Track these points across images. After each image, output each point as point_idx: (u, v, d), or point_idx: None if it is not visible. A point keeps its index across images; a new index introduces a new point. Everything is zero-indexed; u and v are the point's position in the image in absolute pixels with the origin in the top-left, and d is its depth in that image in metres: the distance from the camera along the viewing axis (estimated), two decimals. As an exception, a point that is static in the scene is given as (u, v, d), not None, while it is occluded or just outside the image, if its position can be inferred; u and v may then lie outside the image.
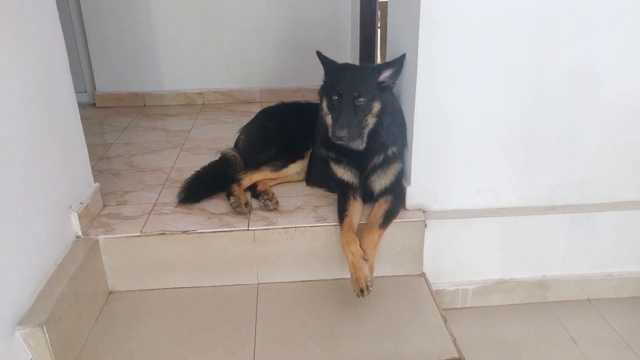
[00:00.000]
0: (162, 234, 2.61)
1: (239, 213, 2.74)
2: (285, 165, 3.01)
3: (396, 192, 2.72)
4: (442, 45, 2.46)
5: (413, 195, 2.75)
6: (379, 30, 5.19)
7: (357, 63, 4.69)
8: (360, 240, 2.48)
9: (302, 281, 2.73)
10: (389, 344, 2.31)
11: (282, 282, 2.72)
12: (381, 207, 2.65)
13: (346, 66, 2.70)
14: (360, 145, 2.63)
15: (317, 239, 2.67)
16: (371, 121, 2.57)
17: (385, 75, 2.60)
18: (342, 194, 2.72)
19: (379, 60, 5.14)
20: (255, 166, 3.00)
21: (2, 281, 1.94)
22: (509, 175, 2.75)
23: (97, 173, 3.24)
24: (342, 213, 2.63)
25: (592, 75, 2.58)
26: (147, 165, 3.50)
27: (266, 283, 2.72)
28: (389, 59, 2.78)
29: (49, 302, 2.12)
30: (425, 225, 2.70)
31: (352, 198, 2.68)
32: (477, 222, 2.74)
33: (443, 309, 2.62)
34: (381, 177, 2.70)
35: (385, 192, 2.70)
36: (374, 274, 2.46)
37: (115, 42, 4.92)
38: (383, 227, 2.58)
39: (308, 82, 4.95)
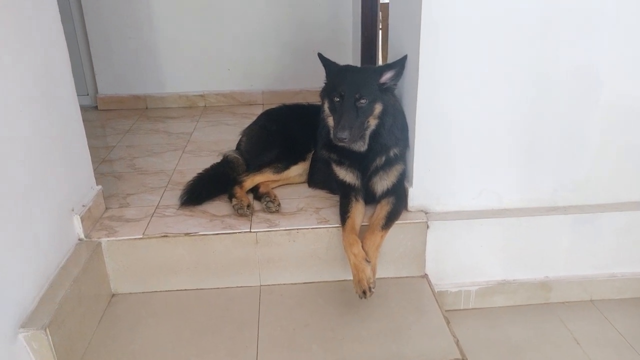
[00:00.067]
0: (164, 236, 2.61)
1: (241, 215, 2.74)
2: (287, 167, 3.01)
3: (398, 194, 2.71)
4: (443, 46, 2.46)
5: (415, 196, 2.75)
6: (380, 31, 5.20)
7: (359, 65, 4.69)
8: (362, 242, 2.48)
9: (304, 283, 2.73)
10: (392, 345, 2.31)
11: (284, 284, 2.72)
12: (383, 208, 2.65)
13: (348, 68, 2.70)
14: (362, 146, 2.63)
15: (320, 241, 2.67)
16: (373, 123, 2.57)
17: (386, 76, 2.59)
18: (344, 195, 2.72)
19: (380, 62, 5.15)
20: (257, 168, 3.01)
21: (5, 284, 1.95)
22: (510, 176, 2.75)
23: (100, 176, 3.24)
24: (344, 215, 2.62)
25: (593, 75, 2.58)
26: (149, 167, 3.50)
27: (269, 285, 2.72)
28: (390, 60, 2.78)
29: (51, 304, 2.12)
30: (428, 227, 2.70)
31: (354, 200, 2.68)
32: (480, 223, 2.74)
33: (446, 311, 2.61)
34: (383, 178, 2.70)
35: (387, 193, 2.70)
36: (377, 276, 2.46)
37: (117, 45, 4.92)
38: (385, 229, 2.58)
39: (310, 84, 4.96)
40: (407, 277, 2.77)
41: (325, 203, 2.89)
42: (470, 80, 2.54)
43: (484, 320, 2.80)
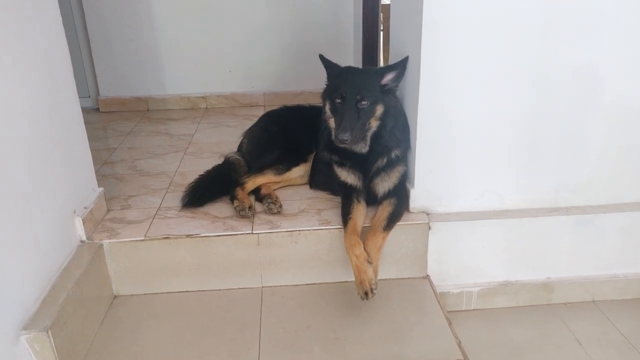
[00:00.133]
0: (166, 238, 2.61)
1: (242, 217, 2.74)
2: (288, 168, 3.01)
3: (400, 195, 2.71)
4: (444, 47, 2.46)
5: (417, 197, 2.75)
6: (381, 32, 5.19)
7: (360, 66, 4.70)
8: (364, 243, 2.48)
9: (306, 284, 2.73)
10: (394, 346, 2.31)
11: (286, 286, 2.72)
12: (385, 210, 2.65)
13: (349, 69, 2.70)
14: (363, 148, 2.63)
15: (321, 242, 2.67)
16: (374, 124, 2.57)
17: (388, 78, 2.59)
18: (346, 197, 2.72)
19: (381, 63, 5.14)
20: (259, 170, 3.01)
21: (6, 286, 1.95)
22: (512, 177, 2.75)
23: (101, 178, 3.24)
24: (346, 216, 2.62)
25: (593, 75, 2.57)
26: (151, 169, 3.50)
27: (270, 286, 2.72)
28: (391, 61, 2.78)
29: (54, 306, 2.12)
30: (429, 228, 2.70)
31: (355, 201, 2.68)
32: (481, 224, 2.73)
33: (447, 312, 2.61)
34: (385, 180, 2.69)
35: (388, 195, 2.70)
36: (378, 277, 2.45)
37: (119, 47, 4.93)
38: (387, 230, 2.58)
39: (311, 85, 4.96)
40: (409, 278, 2.77)
41: (327, 204, 2.89)
42: (470, 81, 2.54)
43: (485, 321, 2.79)
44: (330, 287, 2.71)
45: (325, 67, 2.72)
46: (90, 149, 2.77)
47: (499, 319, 2.80)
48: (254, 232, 2.64)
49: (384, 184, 2.70)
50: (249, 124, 3.61)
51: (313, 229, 2.66)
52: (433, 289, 2.69)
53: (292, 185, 3.12)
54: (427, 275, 2.78)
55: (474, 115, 2.60)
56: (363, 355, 2.26)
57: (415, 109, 2.59)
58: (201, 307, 2.59)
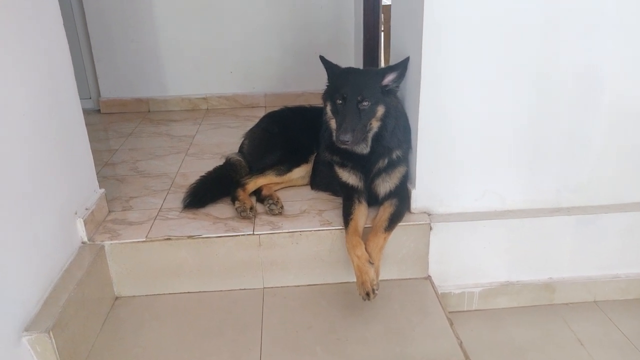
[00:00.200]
0: (167, 239, 2.61)
1: (244, 218, 2.74)
2: (289, 169, 3.01)
3: (401, 196, 2.71)
4: (445, 47, 2.46)
5: (418, 198, 2.74)
6: (382, 33, 5.19)
7: (361, 67, 4.70)
8: (365, 244, 2.48)
9: (307, 285, 2.73)
10: (396, 347, 2.30)
11: (287, 286, 2.72)
12: (386, 210, 2.64)
13: (350, 70, 2.70)
14: (364, 149, 2.63)
15: (323, 243, 2.67)
16: (375, 125, 2.57)
17: (389, 78, 2.59)
18: (347, 197, 2.72)
19: (382, 64, 5.14)
20: (260, 171, 3.01)
21: (8, 287, 1.95)
22: (513, 178, 2.75)
23: (103, 179, 3.25)
24: (347, 217, 2.62)
25: (594, 75, 2.57)
26: (152, 170, 3.51)
27: (272, 287, 2.72)
28: (392, 62, 2.78)
29: (55, 307, 2.13)
30: (431, 228, 2.70)
31: (357, 202, 2.68)
32: (483, 225, 2.73)
33: (449, 312, 2.61)
34: (386, 180, 2.69)
35: (390, 195, 2.70)
36: (380, 278, 2.45)
37: (120, 48, 4.93)
38: (388, 231, 2.58)
39: (312, 86, 4.95)
40: (410, 278, 2.77)
41: (328, 205, 2.89)
42: (471, 81, 2.54)
43: (487, 322, 2.79)
44: (331, 287, 2.71)
45: (326, 68, 2.72)
46: (92, 150, 2.77)
47: (501, 320, 2.80)
48: (255, 233, 2.64)
49: (385, 185, 2.70)
50: (250, 125, 3.61)
51: (314, 230, 2.66)
52: (434, 290, 2.69)
53: (293, 186, 3.12)
54: (429, 275, 2.78)
55: (474, 116, 2.60)
56: (365, 356, 2.26)
57: (416, 110, 2.59)
58: (202, 308, 2.59)
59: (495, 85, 2.55)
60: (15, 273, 1.99)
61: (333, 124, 2.62)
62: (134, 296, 2.68)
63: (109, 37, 4.89)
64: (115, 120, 4.80)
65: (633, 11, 2.48)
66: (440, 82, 2.52)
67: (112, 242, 2.60)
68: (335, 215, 2.77)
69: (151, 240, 2.61)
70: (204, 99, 5.14)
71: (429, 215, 2.76)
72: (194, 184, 3.01)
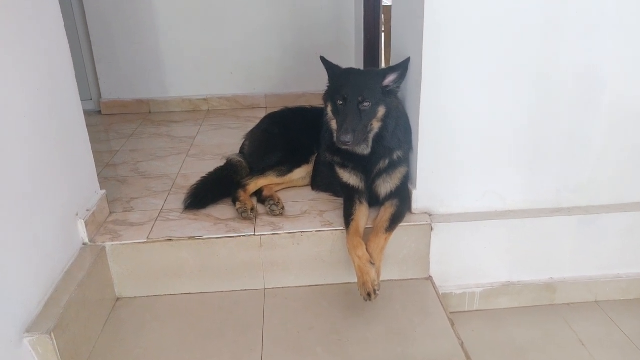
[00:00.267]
0: (168, 240, 2.61)
1: (245, 218, 2.74)
2: (290, 170, 3.01)
3: (402, 196, 2.71)
4: (445, 48, 2.46)
5: (419, 198, 2.75)
6: (383, 34, 5.19)
7: (362, 67, 4.70)
8: (366, 245, 2.48)
9: (308, 286, 2.73)
10: (397, 348, 2.30)
11: (288, 287, 2.72)
12: (387, 211, 2.64)
13: (350, 71, 2.70)
14: (365, 149, 2.63)
15: (324, 244, 2.67)
16: (376, 125, 2.57)
17: (389, 79, 2.59)
18: (348, 198, 2.72)
19: (383, 65, 5.14)
20: (261, 171, 3.01)
21: (9, 288, 1.95)
22: (514, 178, 2.75)
23: (104, 180, 3.25)
24: (348, 217, 2.62)
25: (594, 75, 2.57)
26: (153, 171, 3.51)
27: (273, 288, 2.72)
28: (393, 63, 2.78)
29: (56, 309, 2.13)
30: (432, 229, 2.70)
31: (358, 202, 2.68)
32: (484, 225, 2.73)
33: (450, 312, 2.61)
34: (387, 181, 2.69)
35: (391, 196, 2.70)
36: (381, 278, 2.45)
37: (120, 49, 4.93)
38: (389, 231, 2.58)
39: (313, 87, 4.96)
40: (411, 279, 2.77)
41: (329, 206, 2.90)
42: (471, 81, 2.54)
43: (488, 322, 2.79)
44: (332, 288, 2.71)
45: (327, 68, 2.72)
46: (93, 152, 2.78)
47: (502, 320, 2.80)
48: (256, 233, 2.64)
49: (386, 185, 2.70)
50: (250, 125, 3.61)
51: (315, 231, 2.66)
52: (436, 290, 2.69)
53: (294, 187, 3.12)
54: (430, 276, 2.78)
55: (474, 116, 2.60)
56: (366, 356, 2.26)
57: (417, 110, 2.59)
58: (204, 309, 2.59)
59: (495, 85, 2.55)
60: (15, 273, 1.99)
61: (334, 124, 2.62)
62: (135, 297, 2.68)
63: (110, 38, 4.89)
64: (116, 122, 4.81)
65: (633, 11, 2.48)
66: (441, 82, 2.52)
67: (113, 243, 2.60)
68: (336, 215, 2.77)
69: (152, 241, 2.61)
70: (204, 100, 5.14)
71: (430, 215, 2.76)
72: (194, 185, 3.01)
